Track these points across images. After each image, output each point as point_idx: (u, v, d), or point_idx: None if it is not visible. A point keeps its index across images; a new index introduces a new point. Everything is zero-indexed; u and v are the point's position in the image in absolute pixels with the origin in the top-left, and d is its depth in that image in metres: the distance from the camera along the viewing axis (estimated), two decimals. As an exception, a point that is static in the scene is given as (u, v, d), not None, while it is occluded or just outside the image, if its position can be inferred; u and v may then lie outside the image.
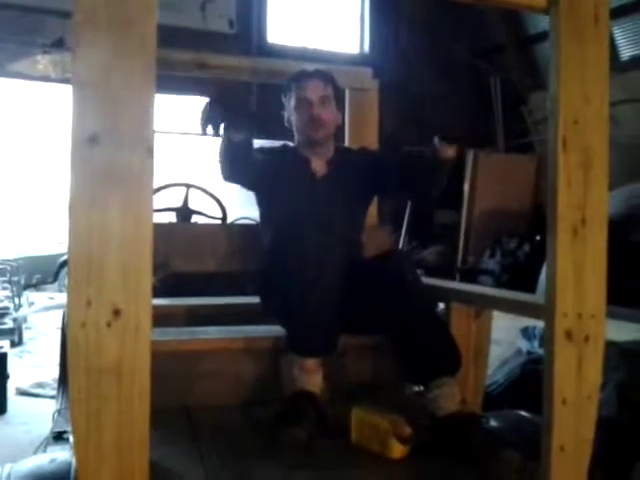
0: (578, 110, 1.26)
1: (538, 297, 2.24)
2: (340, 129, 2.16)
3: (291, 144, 2.17)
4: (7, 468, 1.31)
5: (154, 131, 1.08)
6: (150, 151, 1.07)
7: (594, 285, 1.25)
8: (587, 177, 1.24)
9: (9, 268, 6.70)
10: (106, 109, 1.05)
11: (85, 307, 1.02)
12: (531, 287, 3.79)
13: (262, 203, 2.16)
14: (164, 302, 2.16)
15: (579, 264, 1.23)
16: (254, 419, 1.76)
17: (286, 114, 2.11)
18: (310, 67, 2.16)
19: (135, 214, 1.06)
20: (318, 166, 2.09)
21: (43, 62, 7.12)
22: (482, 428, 1.62)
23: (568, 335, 1.23)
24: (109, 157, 1.04)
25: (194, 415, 1.77)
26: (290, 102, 2.07)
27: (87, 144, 1.03)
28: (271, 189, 2.06)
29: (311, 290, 1.71)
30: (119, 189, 1.05)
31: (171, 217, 3.06)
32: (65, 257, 9.27)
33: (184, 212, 3.06)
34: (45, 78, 7.25)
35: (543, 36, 7.12)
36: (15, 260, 7.44)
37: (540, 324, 2.92)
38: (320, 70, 2.11)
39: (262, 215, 2.18)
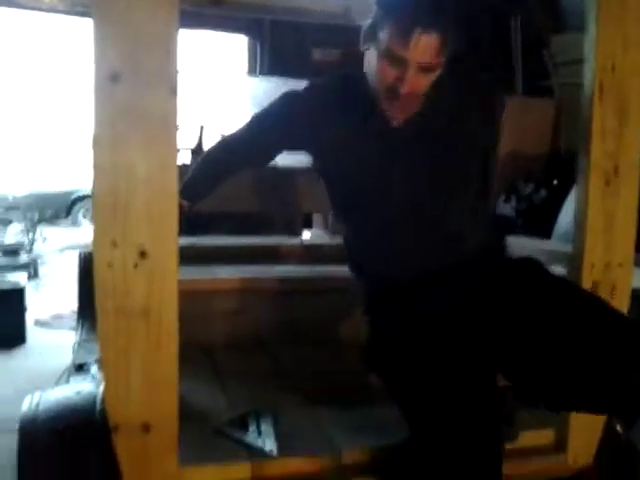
0: (616, 56, 1.22)
1: (555, 243, 2.23)
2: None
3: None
4: (36, 397, 1.34)
5: (177, 70, 1.05)
6: (174, 90, 1.04)
7: (624, 234, 1.23)
8: (622, 126, 1.21)
9: (22, 204, 6.74)
10: (128, 46, 1.02)
11: (111, 248, 1.02)
12: (546, 232, 3.77)
13: (322, 170, 1.51)
14: (185, 241, 2.17)
15: (610, 214, 1.21)
16: (273, 356, 1.79)
17: (367, 51, 1.35)
18: None
19: (160, 154, 1.04)
20: (395, 109, 1.34)
21: (51, -8, 6.94)
22: None
23: (595, 286, 1.22)
24: (131, 96, 1.02)
25: (215, 352, 1.80)
26: (380, 42, 1.27)
27: (109, 82, 1.01)
28: (326, 151, 1.43)
29: (405, 310, 1.29)
30: (143, 129, 1.03)
31: (185, 158, 3.04)
32: (79, 194, 9.32)
33: (199, 153, 3.03)
34: (52, 9, 7.08)
35: (568, -27, 6.82)
36: (27, 197, 7.47)
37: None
38: (444, 12, 1.23)
39: (329, 189, 1.52)
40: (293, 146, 1.53)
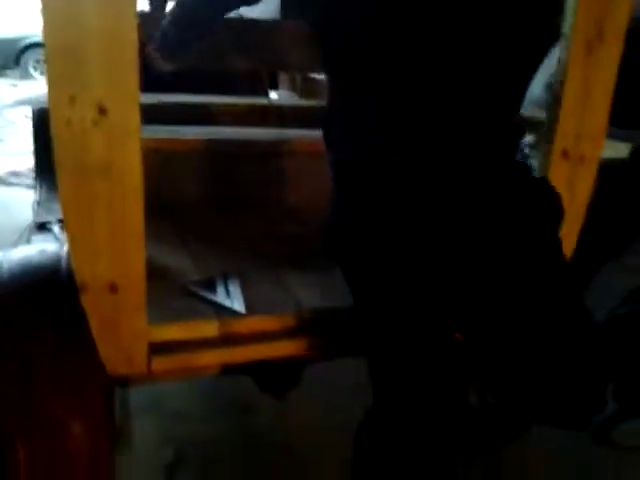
0: None
1: (527, 110, 2.19)
2: None
3: None
4: (-1, 255, 1.32)
5: None
6: None
7: (599, 106, 1.20)
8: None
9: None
10: None
11: (68, 105, 0.96)
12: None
13: (324, 21, 1.10)
14: (148, 99, 2.06)
15: (588, 83, 1.17)
16: (236, 218, 1.78)
17: None
18: None
19: (116, 1, 0.95)
20: None
21: None
22: None
23: (564, 154, 1.22)
24: None
25: (179, 212, 1.78)
26: None
27: None
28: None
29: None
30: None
31: (143, 4, 2.80)
32: (28, 40, 8.69)
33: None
34: None
35: None
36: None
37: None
38: None
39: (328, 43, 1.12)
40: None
